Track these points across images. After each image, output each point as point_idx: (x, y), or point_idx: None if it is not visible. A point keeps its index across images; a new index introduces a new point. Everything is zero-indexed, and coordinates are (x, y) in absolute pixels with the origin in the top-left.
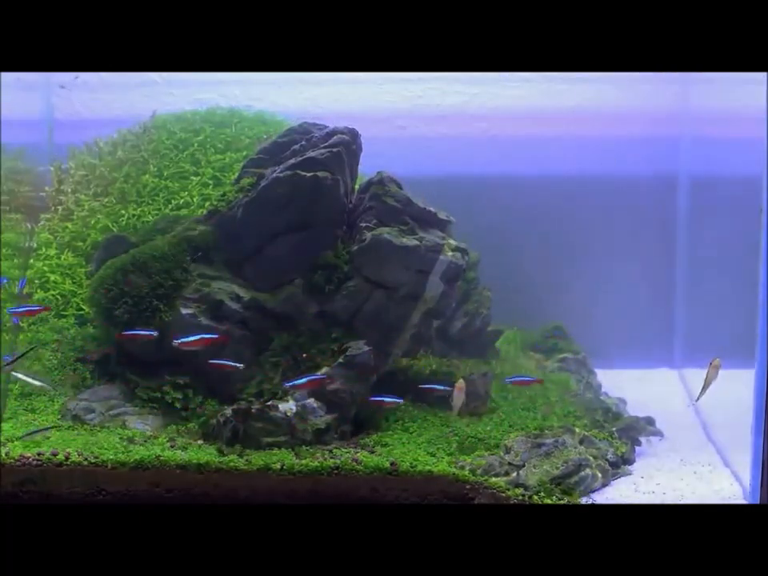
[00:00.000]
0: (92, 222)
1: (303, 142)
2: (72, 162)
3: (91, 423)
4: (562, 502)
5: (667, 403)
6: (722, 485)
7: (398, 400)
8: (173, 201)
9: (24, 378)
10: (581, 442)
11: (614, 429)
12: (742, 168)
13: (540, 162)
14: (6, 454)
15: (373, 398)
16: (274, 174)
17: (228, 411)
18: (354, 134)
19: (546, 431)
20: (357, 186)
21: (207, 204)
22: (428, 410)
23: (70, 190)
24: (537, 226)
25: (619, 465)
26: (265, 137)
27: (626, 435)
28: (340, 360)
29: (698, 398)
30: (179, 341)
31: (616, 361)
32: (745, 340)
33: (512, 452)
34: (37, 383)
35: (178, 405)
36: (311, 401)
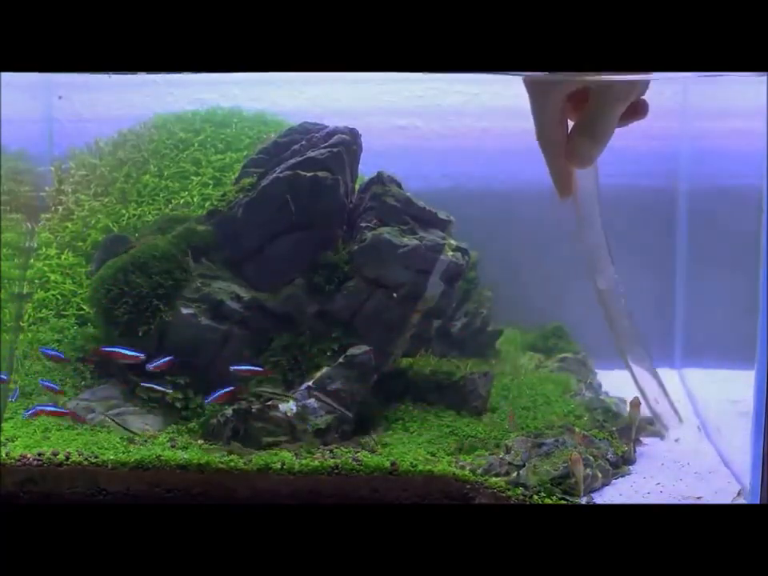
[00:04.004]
0: (92, 221)
1: (303, 142)
2: (72, 161)
3: (91, 423)
4: (562, 501)
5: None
6: (722, 485)
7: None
8: (173, 201)
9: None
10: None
11: (613, 429)
12: (742, 168)
13: (540, 162)
14: (6, 454)
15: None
16: (274, 174)
17: (228, 411)
18: (354, 134)
19: (547, 431)
20: (357, 186)
21: (207, 204)
22: (428, 409)
23: (70, 190)
24: (537, 226)
25: (619, 465)
26: (265, 136)
27: (626, 435)
28: (340, 360)
29: (634, 442)
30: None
31: (616, 361)
32: (745, 340)
33: (512, 452)
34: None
35: (178, 405)
36: (312, 401)
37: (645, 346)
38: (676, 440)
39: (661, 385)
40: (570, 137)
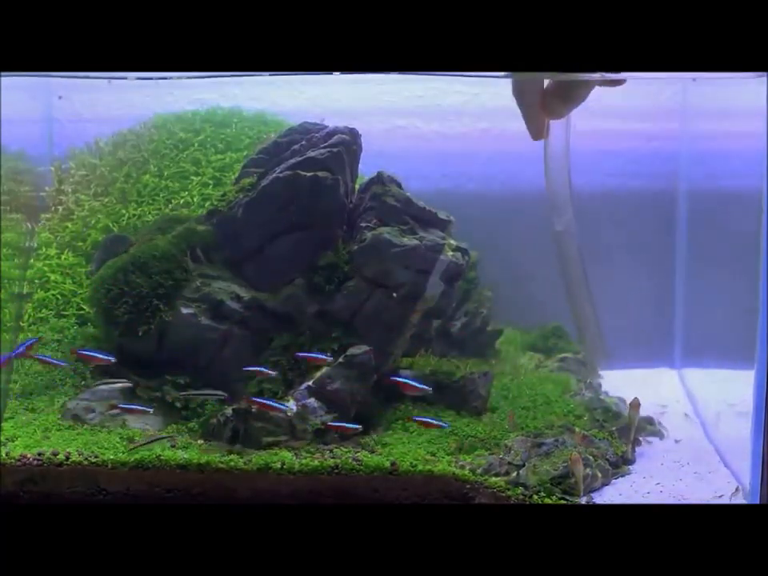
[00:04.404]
0: (92, 221)
1: (303, 142)
2: (72, 161)
3: (91, 423)
4: (562, 501)
5: (667, 403)
6: (722, 485)
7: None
8: (173, 200)
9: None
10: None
11: (613, 428)
12: (742, 168)
13: (540, 162)
14: (6, 454)
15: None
16: (274, 174)
17: (228, 411)
18: (354, 134)
19: (547, 431)
20: (357, 186)
21: (207, 204)
22: (428, 410)
23: (70, 190)
24: (537, 227)
25: (619, 465)
26: (265, 136)
27: (625, 435)
28: (340, 360)
29: (633, 443)
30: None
31: (616, 361)
32: (745, 340)
33: (512, 452)
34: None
35: (178, 404)
36: (312, 400)
37: (589, 289)
38: (677, 441)
39: (596, 323)
40: (545, 91)
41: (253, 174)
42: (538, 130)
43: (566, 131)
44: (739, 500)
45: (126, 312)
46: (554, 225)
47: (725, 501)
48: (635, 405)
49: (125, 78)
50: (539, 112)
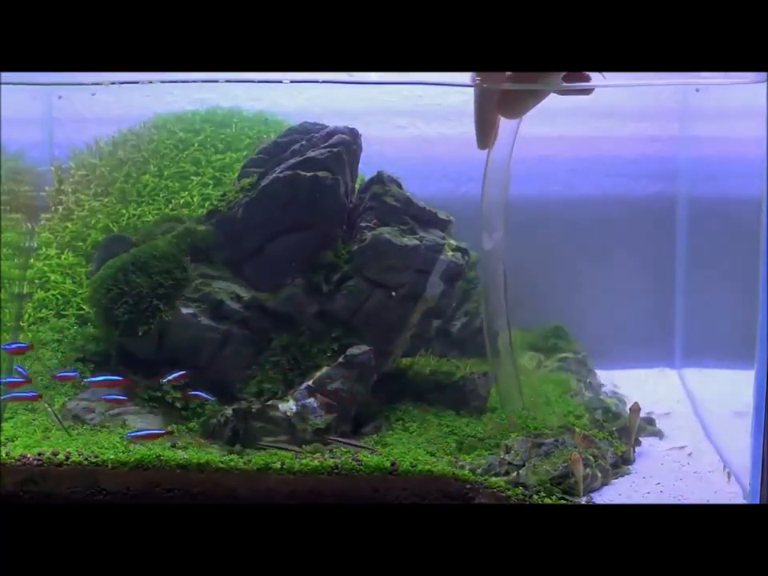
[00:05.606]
0: (92, 221)
1: (303, 142)
2: (72, 161)
3: (91, 423)
4: (561, 501)
5: (667, 403)
6: (722, 485)
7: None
8: (173, 201)
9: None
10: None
11: (613, 428)
12: (742, 169)
13: (540, 161)
14: (6, 454)
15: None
16: (274, 174)
17: (228, 411)
18: (354, 134)
19: (547, 431)
20: (357, 186)
21: (207, 204)
22: (428, 409)
23: (70, 190)
24: (537, 227)
25: (619, 465)
26: (265, 137)
27: (625, 435)
28: (340, 360)
29: (633, 445)
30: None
31: (616, 361)
32: (745, 340)
33: (512, 452)
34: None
35: (178, 404)
36: (311, 400)
37: (508, 314)
38: (689, 454)
39: (512, 357)
40: (506, 86)
41: (253, 173)
42: (487, 135)
43: (512, 143)
44: (733, 483)
45: (126, 312)
46: (483, 242)
47: (723, 485)
48: (635, 409)
49: (100, 84)
50: (494, 110)
